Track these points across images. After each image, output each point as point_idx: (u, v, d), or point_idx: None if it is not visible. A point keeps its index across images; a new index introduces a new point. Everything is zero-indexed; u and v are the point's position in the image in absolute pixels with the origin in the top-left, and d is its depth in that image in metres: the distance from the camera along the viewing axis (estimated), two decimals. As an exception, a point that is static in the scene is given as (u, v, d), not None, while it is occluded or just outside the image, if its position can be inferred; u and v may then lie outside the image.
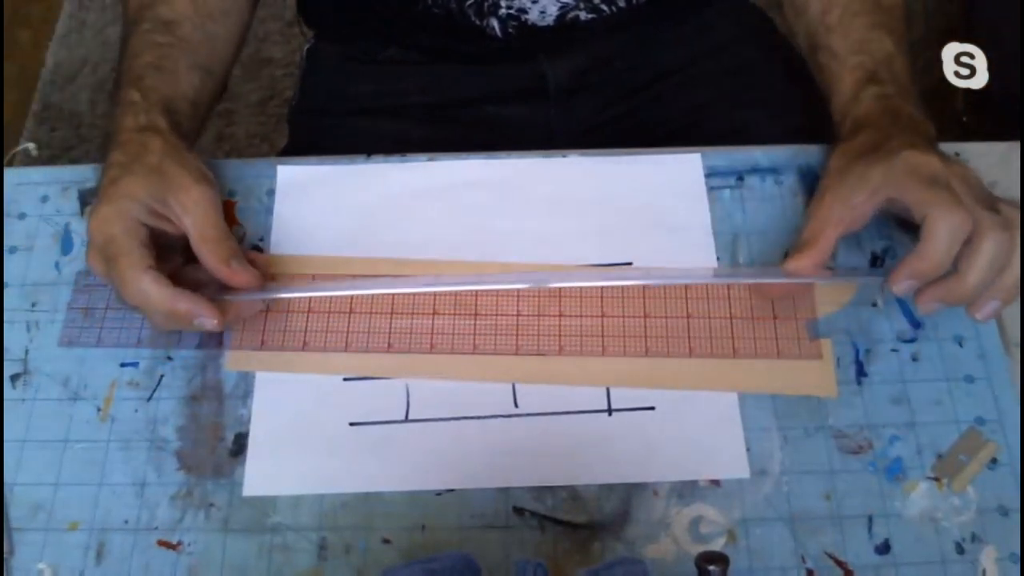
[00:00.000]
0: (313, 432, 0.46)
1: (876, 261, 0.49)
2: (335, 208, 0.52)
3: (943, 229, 0.41)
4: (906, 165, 0.43)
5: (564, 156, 0.54)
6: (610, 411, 0.46)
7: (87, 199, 0.54)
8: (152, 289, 0.43)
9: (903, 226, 0.49)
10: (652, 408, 0.46)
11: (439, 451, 0.45)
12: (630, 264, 0.50)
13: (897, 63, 0.50)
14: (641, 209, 0.51)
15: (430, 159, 0.54)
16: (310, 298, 0.49)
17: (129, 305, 0.45)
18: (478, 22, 0.61)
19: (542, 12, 0.60)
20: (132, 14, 0.54)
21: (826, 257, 0.45)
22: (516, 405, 0.46)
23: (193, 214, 0.45)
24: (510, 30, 0.61)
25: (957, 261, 0.42)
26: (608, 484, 0.44)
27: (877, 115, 0.47)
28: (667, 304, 0.48)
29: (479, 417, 0.46)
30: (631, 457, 0.45)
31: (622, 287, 0.49)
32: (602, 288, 0.49)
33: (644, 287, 0.49)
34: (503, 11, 0.60)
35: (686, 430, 0.45)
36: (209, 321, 0.45)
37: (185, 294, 0.44)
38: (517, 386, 0.47)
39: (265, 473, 0.45)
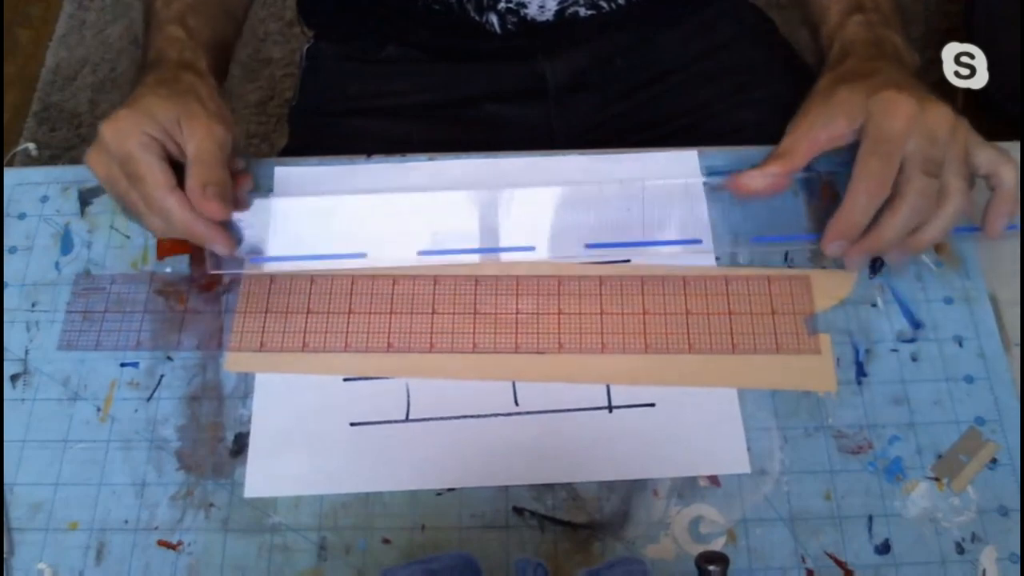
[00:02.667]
0: (313, 432, 0.46)
1: (876, 261, 0.49)
2: (335, 208, 0.52)
3: (862, 194, 0.44)
4: (881, 106, 0.45)
5: (564, 155, 0.54)
6: (610, 408, 0.46)
7: (87, 199, 0.54)
8: (176, 211, 0.45)
9: None
10: (652, 405, 0.46)
11: (439, 451, 0.45)
12: (628, 262, 0.50)
13: None
14: (639, 207, 0.51)
15: (430, 159, 0.54)
16: (309, 299, 0.49)
17: (137, 215, 0.47)
18: (477, 18, 0.61)
19: (541, 7, 0.60)
20: None
21: (798, 168, 0.47)
22: (516, 403, 0.46)
23: (197, 140, 0.46)
24: (509, 26, 0.61)
25: (879, 214, 0.45)
26: (608, 484, 0.44)
27: (863, 43, 0.50)
28: (666, 300, 0.48)
29: (479, 416, 0.46)
30: (632, 454, 0.45)
31: (621, 284, 0.49)
32: (600, 285, 0.49)
33: (643, 284, 0.49)
34: (502, 5, 0.60)
35: (686, 426, 0.45)
36: (223, 248, 0.47)
37: (204, 220, 0.46)
38: (517, 384, 0.47)
39: (266, 474, 0.45)
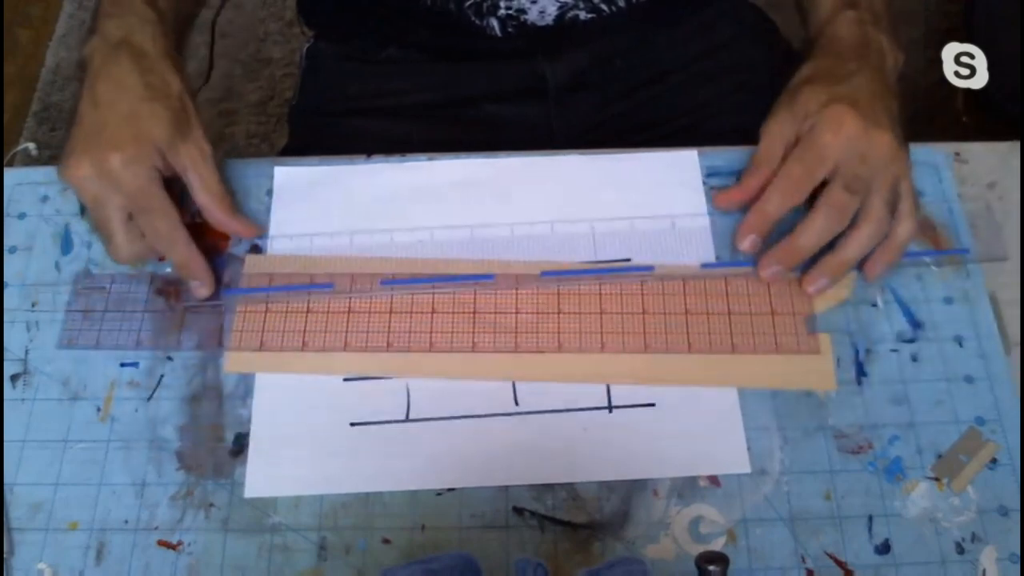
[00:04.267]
0: (313, 432, 0.46)
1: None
2: (334, 208, 0.52)
3: (777, 191, 0.46)
4: (826, 117, 0.45)
5: (564, 155, 0.54)
6: (610, 408, 0.46)
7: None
8: (183, 245, 0.47)
9: None
10: (652, 405, 0.46)
11: (439, 451, 0.45)
12: (628, 261, 0.50)
13: None
14: (639, 206, 0.52)
15: (430, 159, 0.54)
16: (308, 298, 0.49)
17: (108, 235, 0.46)
18: (478, 22, 0.61)
19: (541, 12, 0.60)
20: None
21: (775, 172, 0.47)
22: (516, 403, 0.46)
23: (200, 167, 0.47)
24: (510, 29, 0.61)
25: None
26: (608, 484, 0.44)
27: (850, 39, 0.50)
28: (665, 300, 0.48)
29: (479, 416, 0.46)
30: (632, 454, 0.45)
31: (620, 284, 0.49)
32: (600, 285, 0.49)
33: (643, 284, 0.49)
34: (502, 11, 0.60)
35: (687, 426, 0.45)
36: (205, 287, 0.48)
37: (201, 259, 0.48)
38: (517, 384, 0.47)
39: (266, 474, 0.45)
